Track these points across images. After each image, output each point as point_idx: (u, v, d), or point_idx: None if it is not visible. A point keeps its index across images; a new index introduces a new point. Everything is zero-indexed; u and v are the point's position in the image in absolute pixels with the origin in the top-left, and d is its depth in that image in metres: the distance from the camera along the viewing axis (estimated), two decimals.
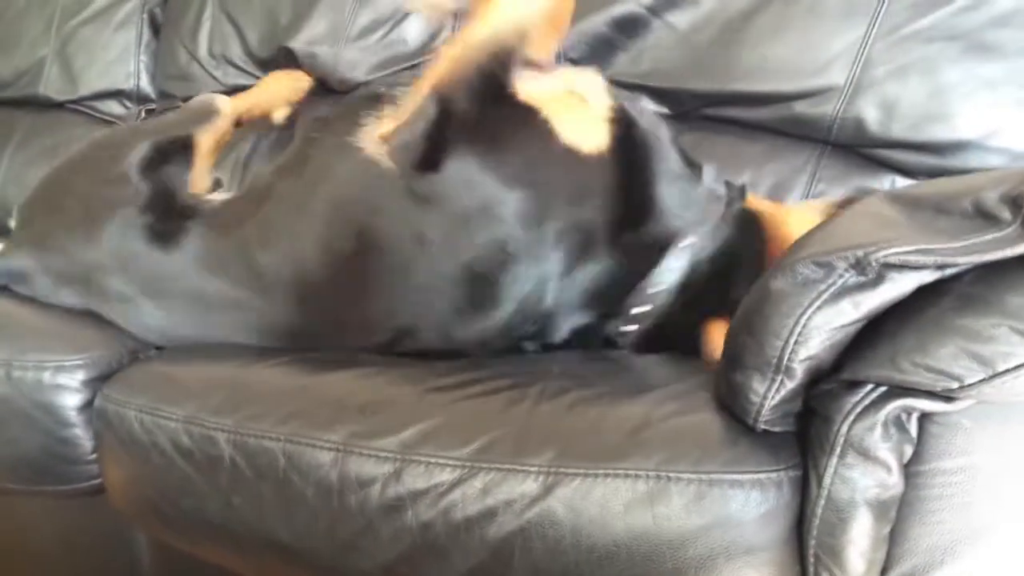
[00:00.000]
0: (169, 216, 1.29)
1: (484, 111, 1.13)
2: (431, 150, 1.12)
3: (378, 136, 1.18)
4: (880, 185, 1.39)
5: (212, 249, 1.24)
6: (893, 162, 1.40)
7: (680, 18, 1.52)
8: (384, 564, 0.93)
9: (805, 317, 0.74)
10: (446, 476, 0.89)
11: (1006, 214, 0.70)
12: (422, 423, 0.94)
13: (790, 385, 0.78)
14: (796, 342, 0.75)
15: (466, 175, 1.11)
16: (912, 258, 0.69)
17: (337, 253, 1.16)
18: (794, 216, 1.18)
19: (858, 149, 1.43)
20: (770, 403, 0.80)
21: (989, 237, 0.69)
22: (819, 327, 0.74)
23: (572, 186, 1.13)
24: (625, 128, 1.16)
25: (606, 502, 0.82)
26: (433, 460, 0.90)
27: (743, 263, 1.12)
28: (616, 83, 1.45)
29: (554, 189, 1.12)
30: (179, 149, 1.45)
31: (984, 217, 0.72)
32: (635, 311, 1.14)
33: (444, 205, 1.12)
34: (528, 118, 1.14)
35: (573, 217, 1.11)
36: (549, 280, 1.12)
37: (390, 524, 0.91)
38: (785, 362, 0.77)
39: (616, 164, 1.13)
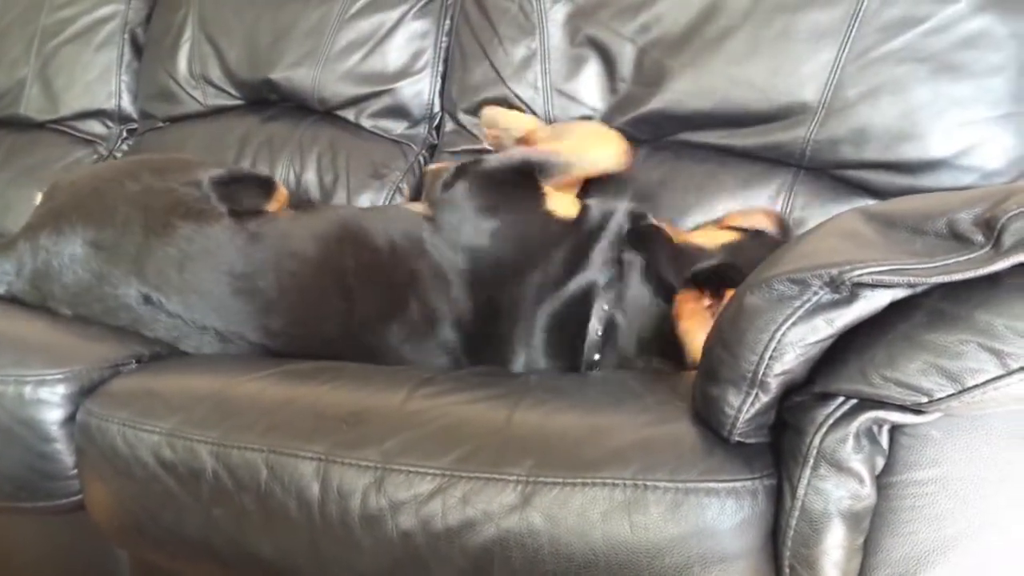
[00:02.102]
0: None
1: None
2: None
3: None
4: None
5: None
6: (866, 183, 1.42)
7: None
8: (365, 575, 0.94)
9: (780, 333, 0.75)
10: (426, 486, 0.89)
11: (979, 236, 0.71)
12: (403, 433, 0.95)
13: (765, 399, 0.79)
14: (771, 357, 0.76)
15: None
16: (886, 278, 0.71)
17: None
18: (696, 239, 1.38)
19: (831, 172, 1.45)
20: (745, 416, 0.81)
21: (962, 258, 0.70)
22: (793, 343, 0.75)
23: (544, 236, 1.34)
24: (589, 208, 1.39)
25: (584, 511, 0.83)
26: (414, 470, 0.91)
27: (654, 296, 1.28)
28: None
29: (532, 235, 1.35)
30: (258, 182, 1.54)
31: (958, 239, 0.73)
32: (595, 357, 1.27)
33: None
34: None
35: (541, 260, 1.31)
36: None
37: (371, 535, 0.91)
38: (760, 376, 0.78)
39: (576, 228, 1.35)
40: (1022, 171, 1.32)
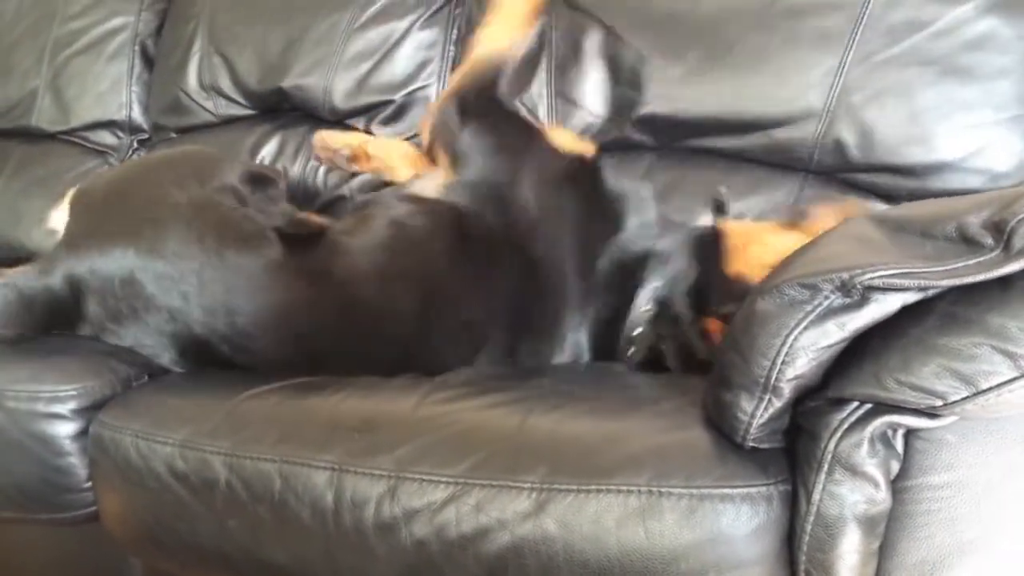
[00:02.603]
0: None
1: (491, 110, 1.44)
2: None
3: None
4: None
5: None
6: (874, 187, 1.42)
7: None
8: None
9: (791, 338, 0.76)
10: (440, 494, 0.90)
11: (988, 240, 0.71)
12: (416, 441, 0.95)
13: (778, 404, 0.80)
14: (783, 362, 0.77)
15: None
16: (897, 281, 0.71)
17: None
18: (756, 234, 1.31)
19: (839, 175, 1.45)
20: (758, 421, 0.81)
21: (972, 262, 0.70)
22: (805, 347, 0.76)
23: (559, 173, 1.37)
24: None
25: (598, 518, 0.83)
26: (427, 478, 0.91)
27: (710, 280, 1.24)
28: None
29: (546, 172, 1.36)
30: (271, 182, 1.48)
31: (967, 242, 0.73)
32: (635, 333, 1.24)
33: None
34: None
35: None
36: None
37: (385, 543, 0.92)
38: (773, 382, 0.78)
39: (595, 171, 1.38)
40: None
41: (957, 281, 0.70)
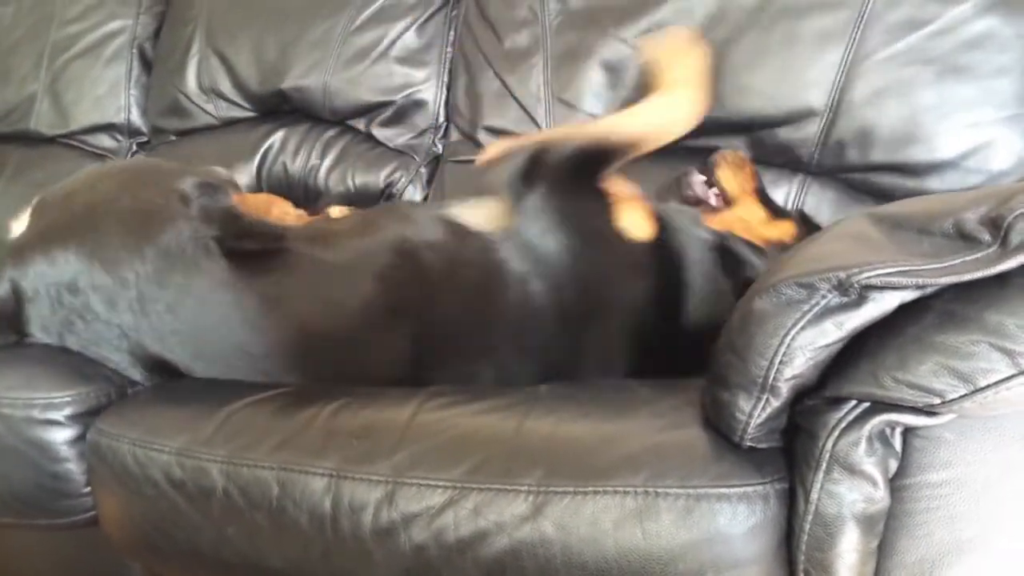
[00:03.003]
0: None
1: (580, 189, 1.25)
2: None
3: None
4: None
5: None
6: (874, 186, 1.42)
7: None
8: None
9: (789, 337, 0.75)
10: (437, 498, 0.89)
11: (986, 236, 0.71)
12: (413, 446, 0.94)
13: (776, 404, 0.79)
14: (781, 362, 0.76)
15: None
16: (895, 280, 0.71)
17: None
18: None
19: (839, 175, 1.45)
20: (756, 421, 0.81)
21: (970, 258, 0.70)
22: (803, 347, 0.75)
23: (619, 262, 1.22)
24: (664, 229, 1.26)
25: (596, 520, 0.82)
26: (424, 482, 0.90)
27: None
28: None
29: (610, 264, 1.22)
30: (223, 188, 1.36)
31: (965, 239, 0.73)
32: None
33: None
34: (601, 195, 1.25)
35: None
36: None
37: (384, 549, 0.91)
38: (771, 382, 0.77)
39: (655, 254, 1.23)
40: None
41: (955, 279, 0.69)
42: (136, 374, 1.22)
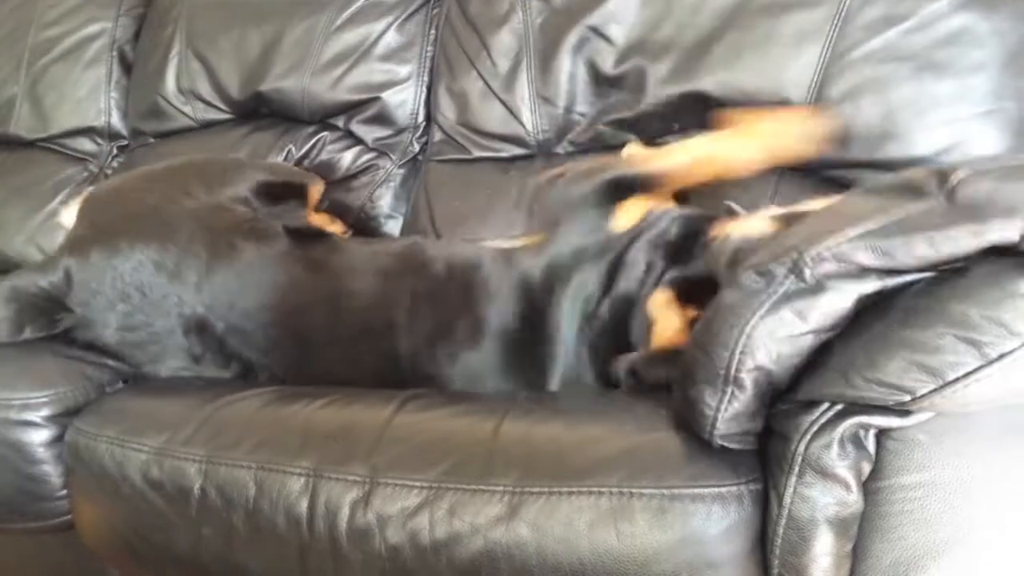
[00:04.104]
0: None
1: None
2: None
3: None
4: None
5: None
6: (851, 183, 1.41)
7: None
8: None
9: (749, 326, 0.75)
10: (413, 499, 0.90)
11: (932, 185, 0.73)
12: (390, 447, 0.95)
13: (741, 397, 0.79)
14: (742, 352, 0.76)
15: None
16: (844, 248, 0.71)
17: None
18: None
19: (816, 172, 1.44)
20: (723, 416, 0.81)
21: (917, 208, 0.70)
22: (762, 336, 0.75)
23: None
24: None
25: (570, 521, 0.83)
26: (400, 483, 0.91)
27: None
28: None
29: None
30: (293, 192, 1.51)
31: (912, 189, 0.74)
32: None
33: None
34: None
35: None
36: None
37: (359, 550, 0.92)
38: (733, 373, 0.77)
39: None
40: None
41: (903, 238, 0.69)
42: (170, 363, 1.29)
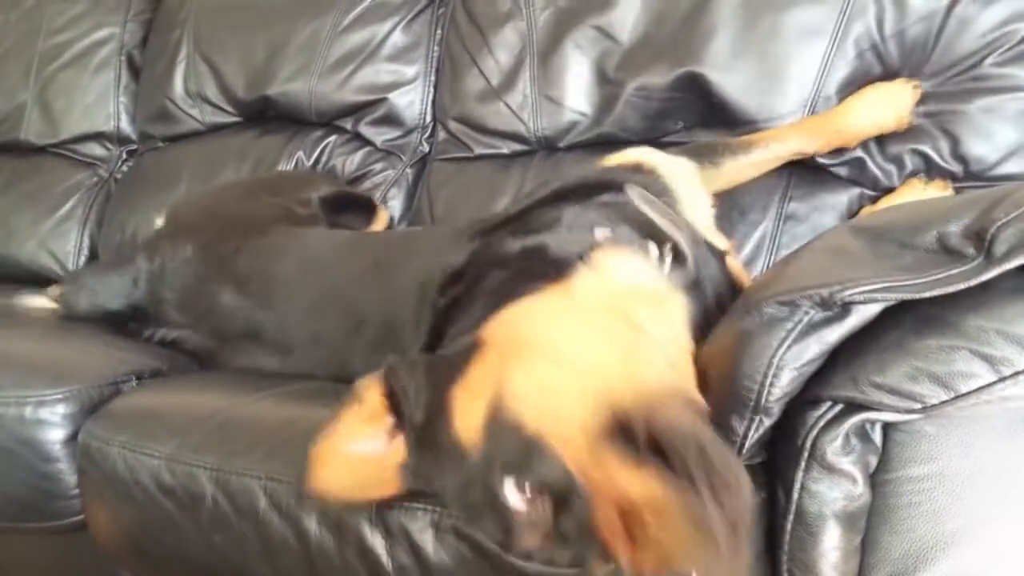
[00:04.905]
0: None
1: None
2: None
3: None
4: (848, 198, 1.41)
5: None
6: (857, 178, 1.41)
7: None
8: None
9: (776, 358, 0.74)
10: (419, 519, 0.88)
11: (970, 249, 0.70)
12: None
13: (768, 423, 0.78)
14: (771, 383, 0.75)
15: None
16: (878, 296, 0.70)
17: None
18: None
19: (826, 168, 1.44)
20: (750, 441, 0.79)
21: (955, 271, 0.69)
22: (788, 365, 0.74)
23: None
24: None
25: None
26: (407, 503, 0.89)
27: None
28: None
29: None
30: (362, 204, 1.62)
31: (948, 252, 0.72)
32: None
33: None
34: None
35: None
36: None
37: (368, 567, 0.91)
38: (762, 403, 0.76)
39: None
40: (1003, 156, 1.30)
41: (940, 291, 0.68)
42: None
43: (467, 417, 0.74)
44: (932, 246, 0.73)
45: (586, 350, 0.76)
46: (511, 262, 0.95)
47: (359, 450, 0.82)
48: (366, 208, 1.67)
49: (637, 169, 1.17)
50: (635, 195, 0.96)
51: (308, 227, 1.46)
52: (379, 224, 1.68)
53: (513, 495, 0.70)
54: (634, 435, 0.68)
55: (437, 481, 0.79)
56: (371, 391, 0.83)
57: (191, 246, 1.45)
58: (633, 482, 0.66)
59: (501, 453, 0.71)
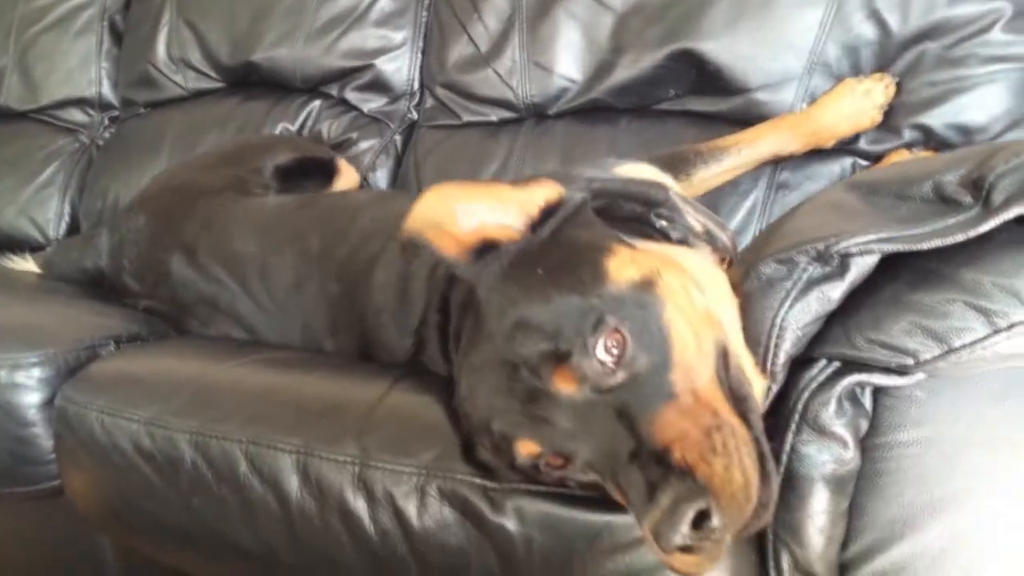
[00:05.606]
0: None
1: None
2: None
3: None
4: (840, 167, 1.40)
5: None
6: (851, 146, 1.40)
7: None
8: (346, 570, 0.92)
9: (779, 319, 0.73)
10: (403, 483, 0.87)
11: (967, 198, 0.69)
12: (382, 429, 0.92)
13: (775, 388, 0.77)
14: (775, 346, 0.74)
15: None
16: (875, 247, 0.69)
17: None
18: None
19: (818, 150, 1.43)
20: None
21: (952, 221, 0.68)
22: (791, 326, 0.74)
23: None
24: None
25: (555, 510, 0.81)
26: (391, 467, 0.88)
27: None
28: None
29: None
30: (319, 165, 1.59)
31: (945, 202, 0.71)
32: None
33: None
34: None
35: None
36: None
37: (349, 531, 0.90)
38: (769, 368, 0.75)
39: None
40: (1005, 126, 1.29)
41: (938, 242, 0.67)
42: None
43: (620, 271, 0.76)
44: (928, 195, 0.72)
45: (717, 294, 0.81)
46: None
47: (475, 216, 0.83)
48: (328, 173, 1.63)
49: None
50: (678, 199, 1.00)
51: (256, 197, 1.45)
52: (343, 186, 1.65)
53: (604, 343, 0.72)
54: (726, 375, 0.74)
55: (485, 284, 0.81)
56: (543, 191, 0.85)
57: (143, 216, 1.49)
58: (724, 409, 0.71)
59: (625, 305, 0.74)
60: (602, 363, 0.71)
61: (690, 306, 0.76)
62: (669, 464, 0.66)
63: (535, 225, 0.84)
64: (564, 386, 0.72)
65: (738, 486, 0.66)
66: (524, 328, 0.74)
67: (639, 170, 1.20)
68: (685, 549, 0.65)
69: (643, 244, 0.88)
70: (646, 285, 0.75)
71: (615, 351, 0.72)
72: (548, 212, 0.85)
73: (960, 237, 0.67)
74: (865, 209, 0.76)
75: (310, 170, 1.59)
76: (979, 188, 0.69)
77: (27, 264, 1.71)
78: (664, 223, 0.96)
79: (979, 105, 1.30)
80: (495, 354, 0.76)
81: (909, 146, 1.35)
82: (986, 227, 0.66)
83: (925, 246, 0.68)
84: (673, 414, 0.70)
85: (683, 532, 0.64)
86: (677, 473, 0.66)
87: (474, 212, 0.82)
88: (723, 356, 0.75)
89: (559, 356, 0.72)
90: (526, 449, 0.75)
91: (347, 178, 1.65)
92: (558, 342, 0.72)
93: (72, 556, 1.35)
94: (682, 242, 0.95)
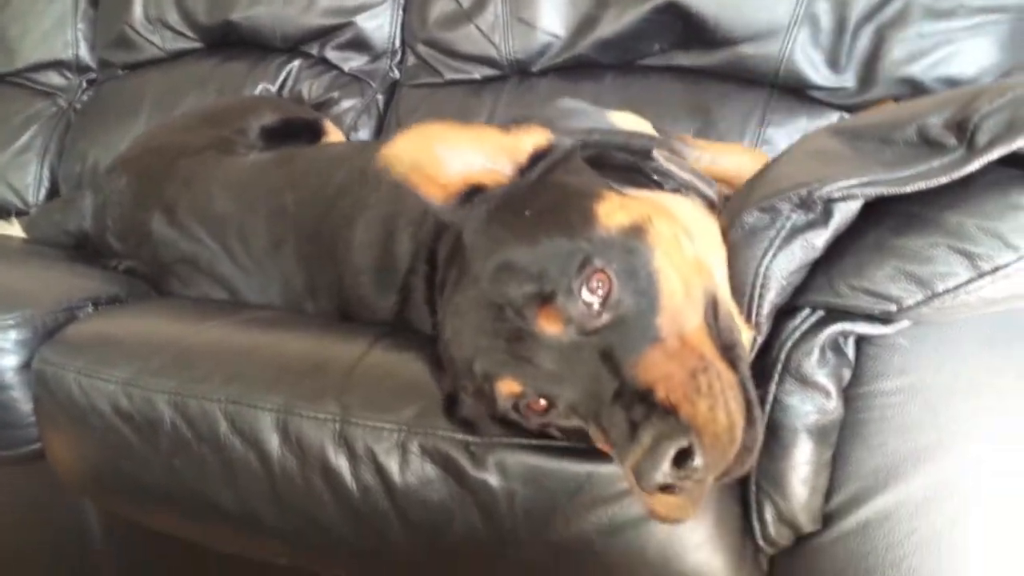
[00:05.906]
0: None
1: None
2: None
3: None
4: (828, 122, 1.38)
5: None
6: (839, 101, 1.39)
7: None
8: (328, 529, 0.91)
9: (763, 268, 0.73)
10: (384, 440, 0.87)
11: (951, 140, 0.68)
12: (363, 387, 0.92)
13: (759, 340, 0.76)
14: (759, 296, 0.73)
15: None
16: (858, 191, 0.68)
17: None
18: None
19: (804, 90, 1.42)
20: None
21: (936, 163, 0.67)
22: (775, 275, 0.73)
23: None
24: None
25: (537, 463, 0.80)
26: (372, 424, 0.88)
27: None
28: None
29: None
30: (306, 125, 1.57)
31: (929, 144, 0.69)
32: None
33: None
34: None
35: None
36: None
37: (331, 488, 0.89)
38: (754, 319, 0.74)
39: None
40: (994, 79, 1.28)
41: (922, 184, 0.66)
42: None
43: (609, 216, 0.75)
44: (912, 139, 0.71)
45: (707, 243, 0.80)
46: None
47: (461, 160, 0.82)
48: (315, 133, 1.62)
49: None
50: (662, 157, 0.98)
51: (238, 156, 1.43)
52: (329, 128, 1.64)
53: (589, 285, 0.71)
54: (715, 323, 0.74)
55: (471, 227, 0.80)
56: (532, 137, 0.85)
57: (126, 176, 1.47)
58: (711, 353, 0.70)
59: (613, 249, 0.73)
60: (587, 304, 0.71)
61: (679, 254, 0.75)
62: (652, 403, 0.66)
63: (523, 171, 0.83)
64: (549, 327, 0.71)
65: (722, 427, 0.65)
66: (510, 270, 0.74)
67: (631, 120, 1.19)
68: (666, 489, 0.65)
69: (635, 192, 0.87)
70: (635, 231, 0.74)
71: (600, 293, 0.71)
72: (537, 158, 0.84)
73: (944, 179, 0.66)
74: (849, 154, 0.74)
75: (296, 131, 1.57)
76: (963, 130, 0.67)
77: (13, 229, 1.69)
78: (657, 174, 0.95)
79: (968, 57, 1.29)
80: (480, 296, 0.75)
81: (896, 99, 1.33)
82: (970, 168, 0.65)
83: (908, 189, 0.67)
84: (658, 355, 0.69)
85: (664, 470, 0.63)
86: (660, 412, 0.65)
87: (460, 156, 0.81)
88: (712, 304, 0.74)
89: (544, 297, 0.71)
90: (508, 388, 0.74)
91: (334, 138, 1.63)
92: (543, 283, 0.71)
93: (55, 520, 1.34)
94: (676, 191, 0.93)
